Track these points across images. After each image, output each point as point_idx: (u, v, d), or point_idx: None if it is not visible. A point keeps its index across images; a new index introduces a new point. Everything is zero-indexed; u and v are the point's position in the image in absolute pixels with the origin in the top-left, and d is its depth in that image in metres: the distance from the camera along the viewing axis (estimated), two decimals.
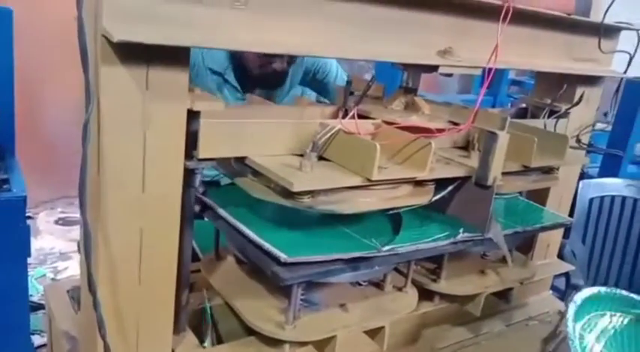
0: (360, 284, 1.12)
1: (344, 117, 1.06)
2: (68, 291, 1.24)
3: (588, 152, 1.49)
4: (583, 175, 2.60)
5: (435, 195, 1.02)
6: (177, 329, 0.98)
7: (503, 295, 1.34)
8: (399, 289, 1.13)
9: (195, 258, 1.19)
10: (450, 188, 1.03)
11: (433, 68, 1.01)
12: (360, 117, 1.06)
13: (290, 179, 0.83)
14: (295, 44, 0.85)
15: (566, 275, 2.27)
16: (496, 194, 1.03)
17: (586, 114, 1.41)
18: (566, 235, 2.60)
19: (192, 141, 0.85)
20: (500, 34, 0.97)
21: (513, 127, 1.22)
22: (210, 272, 1.11)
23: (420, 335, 1.24)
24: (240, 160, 0.94)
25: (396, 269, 1.16)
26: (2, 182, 1.81)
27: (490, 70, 1.04)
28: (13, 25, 1.97)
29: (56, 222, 3.61)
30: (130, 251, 0.83)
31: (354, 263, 0.91)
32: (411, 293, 1.12)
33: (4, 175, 1.84)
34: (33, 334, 2.12)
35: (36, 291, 2.78)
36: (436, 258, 1.13)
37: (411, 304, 1.10)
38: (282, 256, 0.85)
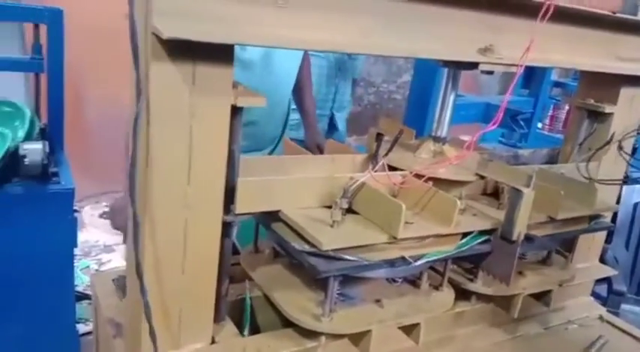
0: (395, 282, 1.12)
1: (373, 167, 1.08)
2: (113, 280, 1.29)
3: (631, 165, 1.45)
4: (627, 179, 2.54)
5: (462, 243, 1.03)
6: (217, 319, 1.01)
7: (542, 297, 1.33)
8: (436, 288, 1.13)
9: (233, 251, 1.23)
10: (477, 241, 1.05)
11: (473, 65, 1.01)
12: (390, 168, 1.10)
13: (319, 238, 0.88)
14: (334, 41, 0.87)
15: (608, 281, 2.21)
16: (529, 240, 1.05)
17: (630, 117, 1.39)
18: (608, 240, 2.55)
19: (230, 196, 0.90)
20: (536, 32, 0.97)
21: (541, 176, 1.23)
22: (250, 265, 1.14)
23: (456, 334, 1.24)
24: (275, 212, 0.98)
25: (433, 268, 1.16)
26: (52, 175, 1.89)
27: (527, 68, 1.04)
28: (63, 25, 2.06)
29: (100, 216, 3.73)
30: (175, 241, 0.86)
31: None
32: (447, 291, 1.13)
33: (53, 168, 1.91)
34: (78, 322, 2.20)
35: (81, 282, 2.88)
36: (473, 258, 1.13)
37: (446, 303, 1.10)
38: (324, 244, 0.87)
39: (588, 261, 1.50)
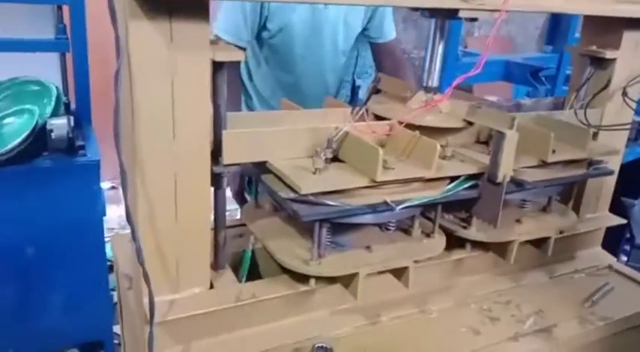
0: (388, 230, 1.16)
1: (360, 118, 1.11)
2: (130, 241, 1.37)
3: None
4: (631, 125, 2.47)
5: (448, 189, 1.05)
6: (216, 267, 1.07)
7: (544, 247, 1.34)
8: (427, 235, 1.16)
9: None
10: (462, 186, 1.06)
11: (455, 13, 1.02)
12: (379, 118, 1.14)
13: (299, 183, 0.92)
14: None
15: (631, 235, 2.18)
16: (519, 185, 1.05)
17: (635, 62, 1.36)
18: (636, 196, 2.49)
19: (217, 148, 0.95)
20: None
21: (539, 121, 1.22)
22: (250, 218, 1.20)
23: (457, 282, 1.27)
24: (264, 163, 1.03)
25: (425, 216, 1.19)
26: (79, 148, 1.99)
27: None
28: (85, 4, 2.14)
29: None
30: (166, 192, 0.92)
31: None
32: (438, 238, 1.15)
33: (80, 142, 2.02)
34: (114, 290, 2.32)
35: None
36: (466, 205, 1.15)
37: (436, 248, 1.13)
38: (302, 188, 0.92)
39: (597, 211, 1.49)
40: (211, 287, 1.03)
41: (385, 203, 0.96)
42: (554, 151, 1.12)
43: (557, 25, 3.07)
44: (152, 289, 0.89)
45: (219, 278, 1.06)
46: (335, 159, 1.04)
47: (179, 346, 0.99)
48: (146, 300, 0.91)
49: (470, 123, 1.14)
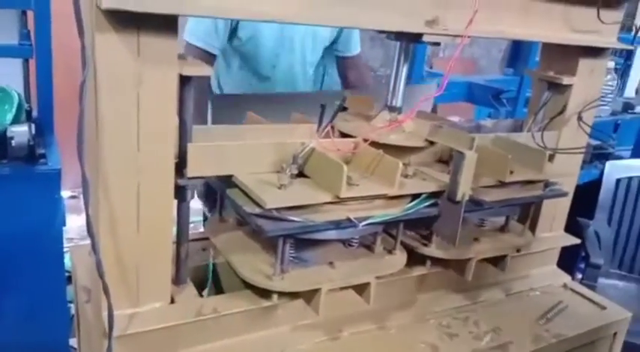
0: (351, 246, 1.17)
1: (325, 135, 1.13)
2: (90, 252, 1.35)
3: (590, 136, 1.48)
4: (609, 156, 2.57)
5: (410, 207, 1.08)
6: (178, 281, 1.07)
7: (500, 264, 1.37)
8: (389, 251, 1.18)
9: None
10: (423, 205, 1.09)
11: (419, 37, 1.05)
12: (344, 135, 1.16)
13: (263, 197, 0.93)
14: (276, 12, 0.91)
15: (586, 254, 2.26)
16: (477, 204, 1.09)
17: (591, 88, 1.42)
18: (590, 216, 2.58)
19: (182, 160, 0.95)
20: (482, 4, 1.01)
21: (497, 143, 1.27)
22: (213, 232, 1.19)
23: (416, 299, 1.29)
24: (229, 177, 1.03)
25: (389, 234, 1.21)
26: (40, 156, 1.96)
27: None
28: (50, 10, 2.10)
29: None
30: (128, 204, 0.92)
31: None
32: (400, 255, 1.18)
33: (41, 150, 1.98)
34: (71, 303, 2.26)
35: None
36: (427, 222, 1.17)
37: (397, 264, 1.15)
38: (267, 203, 0.92)
39: (553, 231, 1.54)
40: (172, 301, 1.03)
41: (348, 220, 0.98)
42: (511, 172, 1.16)
43: (518, 49, 3.18)
44: (111, 302, 0.88)
45: (180, 293, 1.05)
46: (300, 174, 1.05)
47: None
48: (105, 314, 0.90)
49: (432, 143, 1.17)
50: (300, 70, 2.25)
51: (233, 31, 2.06)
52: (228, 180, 1.04)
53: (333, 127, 1.18)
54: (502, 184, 1.17)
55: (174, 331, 1.00)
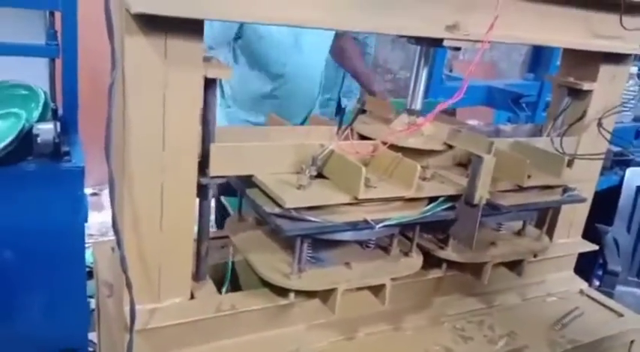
0: (368, 247, 1.19)
1: (345, 138, 1.15)
2: (112, 248, 1.38)
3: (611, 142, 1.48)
4: (629, 162, 2.55)
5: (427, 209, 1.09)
6: (197, 277, 1.09)
7: (517, 268, 1.38)
8: (405, 254, 1.19)
9: None
10: (440, 208, 1.10)
11: (440, 42, 1.07)
12: (363, 137, 1.18)
13: (283, 197, 0.95)
14: (302, 17, 0.93)
15: (604, 261, 2.24)
16: (495, 208, 1.10)
17: (611, 94, 1.41)
18: (610, 223, 2.56)
19: (205, 160, 0.98)
20: (502, 9, 1.01)
21: (516, 147, 1.28)
22: (233, 231, 1.22)
23: (431, 302, 1.30)
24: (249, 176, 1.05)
25: (405, 236, 1.22)
26: (64, 154, 2.00)
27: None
28: (77, 11, 2.15)
29: None
30: (152, 202, 0.94)
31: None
32: (416, 257, 1.19)
33: (66, 148, 2.02)
34: (91, 297, 2.31)
35: None
36: (444, 226, 1.18)
37: (413, 266, 1.16)
38: (287, 203, 0.95)
39: (570, 237, 1.54)
40: (192, 297, 1.05)
41: (365, 221, 0.99)
42: (529, 177, 1.16)
43: (539, 53, 3.17)
44: (133, 297, 0.91)
45: (200, 289, 1.07)
46: (319, 176, 1.07)
47: None
48: (127, 308, 0.92)
49: (450, 147, 1.18)
50: (312, 64, 2.26)
51: (239, 31, 2.11)
52: (248, 180, 1.07)
53: (352, 130, 1.19)
54: (520, 189, 1.17)
55: (193, 326, 1.02)
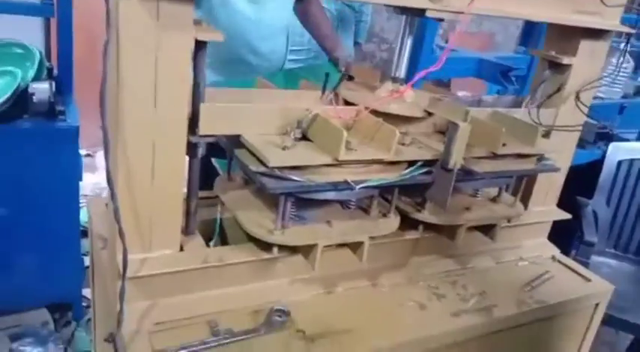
0: (348, 208, 1.25)
1: (330, 103, 1.20)
2: (106, 204, 1.44)
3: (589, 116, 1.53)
4: (612, 137, 2.61)
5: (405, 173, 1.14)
6: (187, 231, 1.15)
7: (492, 233, 1.45)
8: (384, 215, 1.26)
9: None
10: (418, 172, 1.15)
11: (423, 12, 1.11)
12: (348, 103, 1.23)
13: (268, 156, 1.00)
14: None
15: (581, 231, 2.32)
16: (469, 173, 1.16)
17: (590, 70, 1.46)
18: (591, 196, 2.63)
19: (195, 120, 1.02)
20: None
21: (494, 117, 1.33)
22: (222, 190, 1.28)
23: (408, 261, 1.37)
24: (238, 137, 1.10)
25: (384, 198, 1.29)
26: (59, 113, 2.04)
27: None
28: None
29: None
30: (144, 157, 1.00)
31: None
32: (394, 218, 1.25)
33: (61, 107, 2.06)
34: (85, 255, 2.38)
35: None
36: (421, 189, 1.24)
37: (391, 226, 1.23)
38: (271, 162, 1.00)
39: (545, 205, 1.61)
40: (181, 249, 1.11)
41: (346, 182, 1.05)
42: (504, 145, 1.22)
43: (531, 27, 3.19)
44: (126, 246, 0.97)
45: (188, 242, 1.14)
46: (303, 138, 1.12)
47: (147, 301, 1.07)
48: (120, 257, 0.99)
49: (430, 114, 1.24)
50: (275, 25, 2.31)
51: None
52: (237, 142, 1.12)
53: (337, 95, 1.24)
54: (495, 156, 1.23)
55: (181, 276, 1.09)
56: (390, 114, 1.18)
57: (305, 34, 2.47)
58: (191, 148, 1.05)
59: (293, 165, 1.03)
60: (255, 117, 1.09)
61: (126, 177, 1.00)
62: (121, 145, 0.97)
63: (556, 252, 1.62)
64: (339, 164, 1.06)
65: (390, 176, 1.11)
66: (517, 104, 1.56)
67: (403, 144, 1.17)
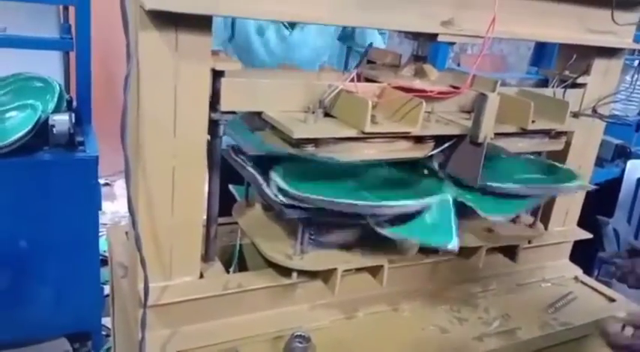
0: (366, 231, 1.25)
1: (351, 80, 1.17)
2: (126, 233, 1.46)
3: (608, 123, 1.52)
4: (630, 154, 2.58)
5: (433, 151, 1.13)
6: (207, 258, 1.16)
7: (510, 255, 1.44)
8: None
9: None
10: (446, 144, 1.13)
11: (435, 37, 1.12)
12: (371, 81, 1.20)
13: (292, 128, 0.98)
14: (306, 14, 0.99)
15: (603, 251, 2.29)
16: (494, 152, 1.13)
17: (604, 86, 1.46)
18: (611, 215, 2.60)
19: (216, 97, 1.02)
20: (497, 4, 1.07)
21: (520, 95, 1.31)
22: (240, 215, 1.28)
23: (429, 285, 1.36)
24: (259, 115, 1.09)
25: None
26: (78, 144, 2.08)
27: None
28: (90, 5, 2.22)
29: None
30: (164, 185, 1.01)
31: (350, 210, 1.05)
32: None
33: (80, 138, 2.10)
34: (104, 284, 2.40)
35: None
36: None
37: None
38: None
39: (565, 225, 1.59)
40: (201, 276, 1.12)
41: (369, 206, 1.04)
42: (533, 122, 1.19)
43: (543, 48, 3.20)
44: (147, 273, 0.98)
45: (208, 269, 1.14)
46: (327, 116, 1.09)
47: (168, 329, 1.08)
48: (141, 285, 0.99)
49: (456, 89, 1.19)
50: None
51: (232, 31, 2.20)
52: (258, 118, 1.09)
53: (359, 75, 1.22)
54: (524, 133, 1.20)
55: (201, 303, 1.09)
56: (415, 89, 1.13)
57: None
58: (213, 126, 1.03)
59: (316, 138, 1.01)
60: (277, 93, 1.07)
61: (146, 205, 1.01)
62: (141, 173, 0.98)
63: (579, 272, 1.60)
64: (364, 138, 1.04)
65: (418, 154, 1.08)
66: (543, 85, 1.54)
67: (429, 122, 1.13)
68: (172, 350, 1.06)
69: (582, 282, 1.56)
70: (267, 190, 1.05)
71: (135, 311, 1.07)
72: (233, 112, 1.05)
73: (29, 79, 2.20)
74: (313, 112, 1.04)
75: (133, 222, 0.96)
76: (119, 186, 4.02)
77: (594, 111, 1.44)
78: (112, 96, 4.21)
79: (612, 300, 1.48)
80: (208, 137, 1.04)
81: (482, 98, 1.07)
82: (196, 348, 1.08)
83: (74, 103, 2.30)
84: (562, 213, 1.57)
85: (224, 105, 1.02)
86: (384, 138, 1.07)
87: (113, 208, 3.67)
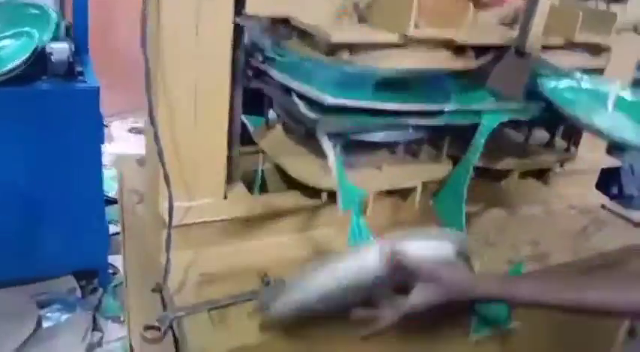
0: (395, 154, 1.18)
1: None
2: (137, 160, 1.38)
3: None
4: None
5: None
6: (229, 180, 1.09)
7: (544, 180, 1.38)
8: (435, 160, 1.19)
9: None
10: (491, 55, 1.04)
11: None
12: None
13: (329, 31, 0.89)
14: None
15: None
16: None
17: None
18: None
19: (241, 1, 0.92)
20: None
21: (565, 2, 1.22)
22: (261, 138, 1.21)
23: None
24: (286, 23, 1.00)
25: (434, 144, 1.21)
26: (78, 73, 1.97)
27: None
28: None
29: (129, 131, 3.85)
30: (187, 98, 0.93)
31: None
32: (445, 162, 1.18)
33: (79, 68, 1.99)
34: (110, 223, 2.34)
35: (111, 189, 3.03)
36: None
37: (443, 171, 1.16)
38: (327, 98, 0.91)
39: (595, 151, 1.53)
40: (225, 197, 1.06)
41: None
42: None
43: None
44: (171, 190, 0.91)
45: (232, 190, 1.08)
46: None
47: (192, 250, 1.02)
48: (165, 204, 0.93)
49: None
50: None
51: None
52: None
53: None
54: (571, 45, 1.13)
55: (225, 225, 1.03)
56: None
57: None
58: (237, 31, 0.94)
59: (352, 44, 0.93)
60: None
61: (168, 119, 0.93)
62: (162, 86, 0.90)
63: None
64: (404, 45, 0.95)
65: (459, 64, 1.00)
66: None
67: None
68: (196, 273, 1.01)
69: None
70: (299, 102, 0.96)
71: (157, 234, 1.01)
72: (258, 17, 0.95)
73: (24, 6, 2.05)
74: (348, 16, 0.95)
75: (156, 135, 0.88)
76: (116, 127, 3.90)
77: (635, 28, 1.35)
78: (108, 36, 4.04)
79: None
80: None
81: (531, 2, 0.98)
82: (221, 271, 1.02)
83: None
84: (591, 141, 1.51)
85: (249, 8, 0.92)
86: (425, 44, 0.98)
87: (111, 149, 3.57)
